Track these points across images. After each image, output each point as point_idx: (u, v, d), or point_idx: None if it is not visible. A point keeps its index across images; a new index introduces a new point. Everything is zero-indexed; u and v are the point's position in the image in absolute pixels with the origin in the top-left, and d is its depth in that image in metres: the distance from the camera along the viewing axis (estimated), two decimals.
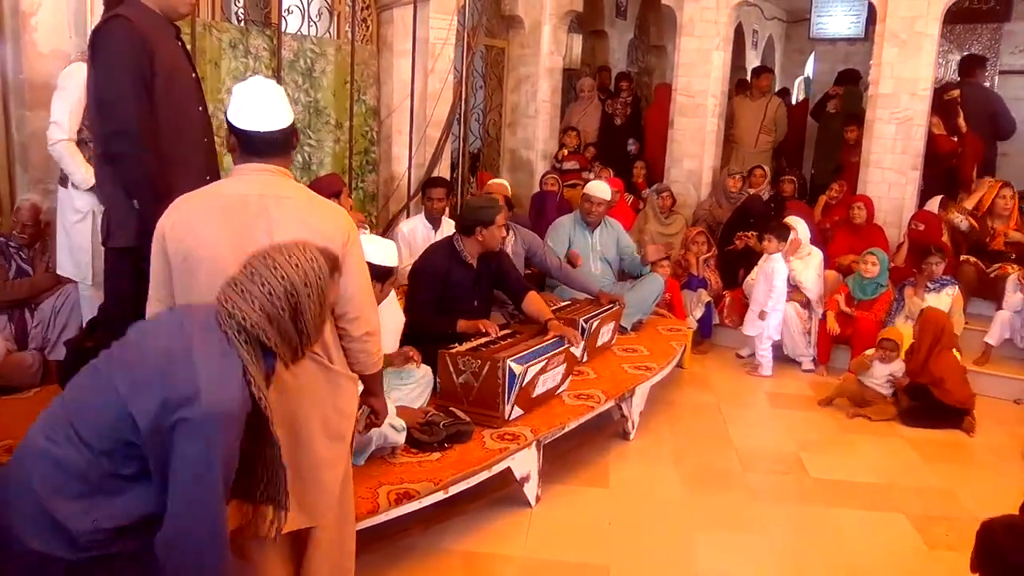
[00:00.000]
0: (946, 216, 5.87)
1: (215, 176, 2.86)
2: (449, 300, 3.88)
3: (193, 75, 2.74)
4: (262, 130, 2.06)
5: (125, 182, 2.59)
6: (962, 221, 5.85)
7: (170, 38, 2.66)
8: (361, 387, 2.33)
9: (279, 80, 5.05)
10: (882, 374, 4.83)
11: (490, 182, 5.78)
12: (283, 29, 5.11)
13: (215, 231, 1.98)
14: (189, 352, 1.61)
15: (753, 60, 11.52)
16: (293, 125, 2.13)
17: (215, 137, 2.94)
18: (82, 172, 3.62)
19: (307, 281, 1.72)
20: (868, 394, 4.84)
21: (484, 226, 3.88)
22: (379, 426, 2.63)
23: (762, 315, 5.36)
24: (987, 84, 6.99)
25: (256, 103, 2.06)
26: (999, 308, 5.38)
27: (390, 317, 3.40)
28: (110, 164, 2.63)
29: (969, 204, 5.90)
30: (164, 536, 1.59)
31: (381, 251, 3.11)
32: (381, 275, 3.08)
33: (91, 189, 3.56)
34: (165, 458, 1.57)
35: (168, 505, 1.58)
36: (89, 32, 3.73)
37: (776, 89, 9.01)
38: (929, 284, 5.31)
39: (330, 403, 2.17)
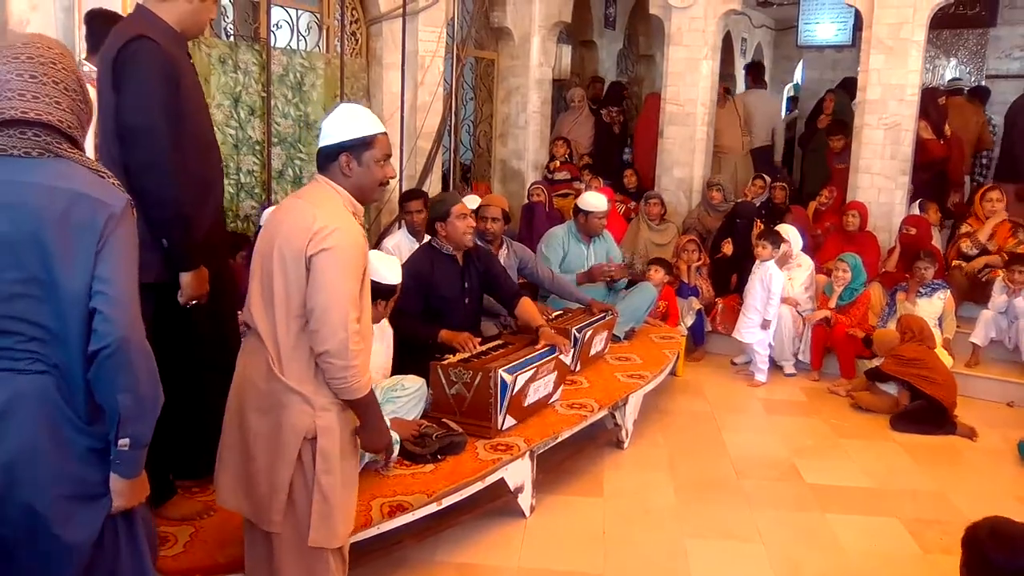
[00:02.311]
0: (957, 249, 5.92)
1: (222, 196, 2.80)
2: (438, 300, 3.87)
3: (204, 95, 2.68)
4: (318, 146, 2.28)
5: (153, 219, 2.36)
6: (971, 248, 5.89)
7: (185, 53, 2.54)
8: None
9: (268, 95, 5.05)
10: None
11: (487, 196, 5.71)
12: (272, 44, 5.12)
13: None
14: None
15: (742, 69, 11.58)
16: (336, 146, 2.21)
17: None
18: None
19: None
20: (877, 393, 4.99)
21: (441, 220, 3.89)
22: (378, 455, 2.45)
23: (765, 324, 5.38)
24: None
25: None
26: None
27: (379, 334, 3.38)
28: (136, 198, 2.35)
29: (983, 236, 5.92)
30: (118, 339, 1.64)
31: (386, 268, 3.12)
32: (384, 293, 3.08)
33: None
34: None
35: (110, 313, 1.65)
36: (79, 47, 3.75)
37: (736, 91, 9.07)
38: (921, 289, 5.33)
39: (272, 409, 2.12)
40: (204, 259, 2.54)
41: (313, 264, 2.06)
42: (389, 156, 2.29)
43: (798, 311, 5.59)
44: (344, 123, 2.22)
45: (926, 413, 4.66)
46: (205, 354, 2.61)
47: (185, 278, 2.46)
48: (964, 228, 6.09)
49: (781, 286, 5.39)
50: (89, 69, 3.63)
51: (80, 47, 3.73)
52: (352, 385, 2.09)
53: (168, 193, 2.37)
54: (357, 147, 2.20)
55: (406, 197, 5.09)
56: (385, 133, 2.29)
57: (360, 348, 2.09)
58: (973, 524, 2.30)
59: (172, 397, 2.55)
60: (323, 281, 2.05)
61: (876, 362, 5.08)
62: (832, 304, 5.46)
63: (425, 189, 5.84)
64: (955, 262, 5.91)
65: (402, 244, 4.94)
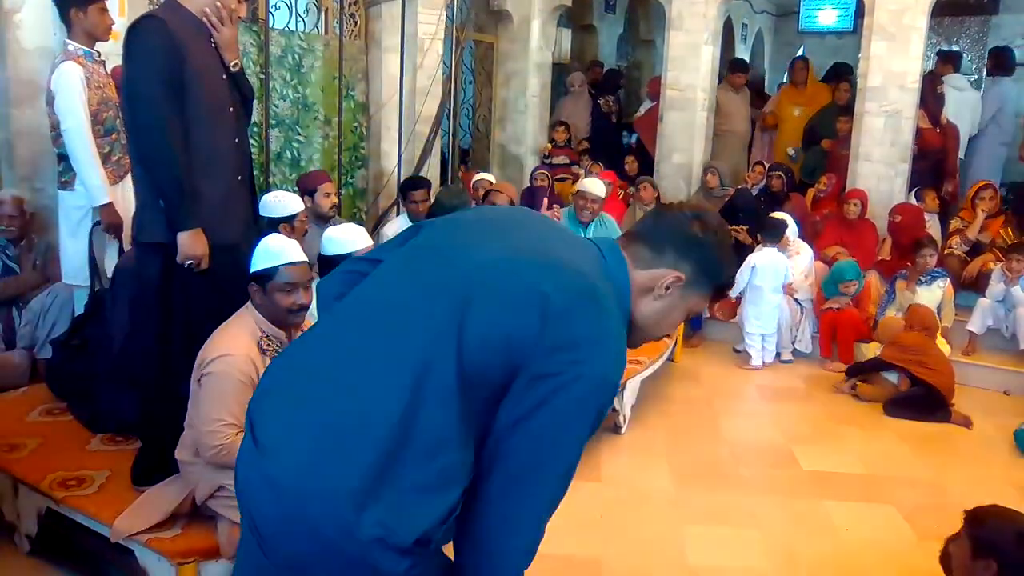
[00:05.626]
0: (948, 245, 5.91)
1: (247, 178, 2.86)
2: None
3: (224, 76, 2.72)
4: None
5: (152, 180, 2.58)
6: (960, 246, 5.88)
7: (204, 38, 2.65)
8: None
9: (266, 76, 5.02)
10: None
11: (481, 177, 5.68)
12: (270, 25, 5.08)
13: None
14: None
15: (743, 54, 11.52)
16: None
17: (248, 139, 2.94)
18: (99, 181, 3.60)
19: None
20: (876, 383, 4.95)
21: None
22: None
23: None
24: None
25: None
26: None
27: None
28: (137, 162, 2.63)
29: (972, 233, 5.90)
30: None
31: (342, 240, 3.07)
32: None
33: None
34: None
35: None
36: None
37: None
38: (921, 277, 5.33)
39: None
40: (217, 230, 2.65)
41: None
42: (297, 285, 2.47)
43: (796, 299, 5.59)
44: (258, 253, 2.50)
45: (920, 399, 4.67)
46: (201, 330, 2.62)
47: (181, 238, 2.57)
48: (954, 224, 6.08)
49: (786, 266, 5.41)
50: (73, 47, 3.61)
51: None
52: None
53: (162, 155, 2.51)
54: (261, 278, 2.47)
55: (410, 186, 5.01)
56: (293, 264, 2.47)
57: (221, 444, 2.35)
58: (972, 513, 2.31)
59: (172, 370, 2.60)
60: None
61: (872, 349, 5.10)
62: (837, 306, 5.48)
63: (423, 174, 5.82)
64: (947, 251, 5.90)
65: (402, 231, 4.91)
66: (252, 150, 4.97)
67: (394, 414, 1.27)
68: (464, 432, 1.30)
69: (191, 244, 2.58)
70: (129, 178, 3.72)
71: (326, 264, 3.06)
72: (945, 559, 2.48)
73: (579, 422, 1.32)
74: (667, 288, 1.46)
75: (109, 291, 3.36)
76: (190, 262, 2.59)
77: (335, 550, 1.27)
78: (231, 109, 2.74)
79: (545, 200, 5.34)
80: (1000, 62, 7.42)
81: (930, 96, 6.49)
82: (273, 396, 1.42)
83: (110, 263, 3.77)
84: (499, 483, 1.32)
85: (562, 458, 1.33)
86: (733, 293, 5.57)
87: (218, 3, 2.65)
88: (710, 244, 1.47)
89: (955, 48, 10.16)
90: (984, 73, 9.77)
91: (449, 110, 6.58)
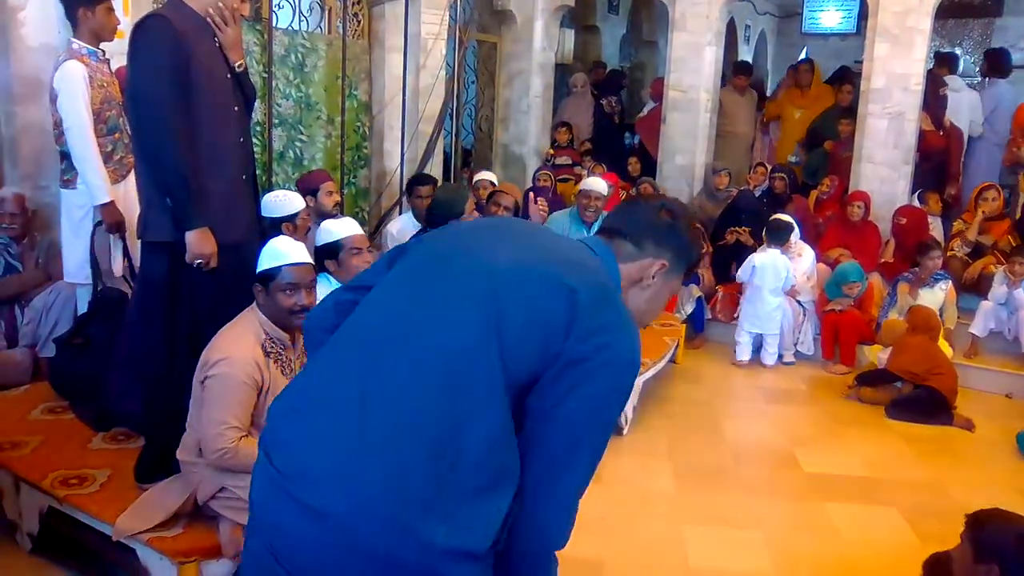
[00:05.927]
0: (950, 247, 5.89)
1: (251, 177, 2.86)
2: None
3: (229, 76, 2.71)
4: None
5: (157, 179, 2.57)
6: (961, 248, 5.88)
7: (208, 38, 2.65)
8: None
9: (269, 76, 5.02)
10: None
11: (483, 177, 5.65)
12: (274, 24, 5.08)
13: None
14: None
15: (745, 55, 11.53)
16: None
17: (251, 138, 2.94)
18: (100, 180, 3.60)
19: None
20: (878, 387, 4.91)
21: (456, 219, 3.88)
22: None
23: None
24: None
25: None
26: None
27: None
28: (143, 161, 2.63)
29: (971, 234, 5.89)
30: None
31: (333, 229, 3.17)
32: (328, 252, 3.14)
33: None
34: None
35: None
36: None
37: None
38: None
39: None
40: (222, 229, 2.64)
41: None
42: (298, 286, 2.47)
43: (798, 301, 5.59)
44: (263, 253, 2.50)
45: (922, 402, 4.66)
46: (206, 329, 2.63)
47: (189, 237, 2.57)
48: (957, 226, 6.07)
49: (788, 267, 5.41)
50: (78, 46, 3.61)
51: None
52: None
53: (167, 153, 2.51)
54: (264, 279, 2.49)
55: (416, 182, 5.00)
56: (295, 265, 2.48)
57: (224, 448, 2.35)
58: (973, 517, 2.31)
59: (176, 368, 2.61)
60: None
61: (874, 352, 5.09)
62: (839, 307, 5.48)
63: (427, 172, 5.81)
64: (949, 253, 5.89)
65: (407, 229, 4.90)
66: (255, 149, 5.00)
67: (443, 422, 1.27)
68: (512, 430, 1.32)
69: (199, 243, 2.57)
70: (131, 177, 3.75)
71: (321, 255, 3.09)
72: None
73: (609, 405, 1.37)
74: (654, 276, 1.57)
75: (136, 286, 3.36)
76: (199, 261, 2.59)
77: (398, 568, 1.25)
78: (235, 108, 2.74)
79: (531, 195, 5.31)
80: (995, 64, 7.41)
81: (933, 98, 6.49)
82: (292, 422, 1.37)
83: (115, 262, 3.77)
84: (534, 471, 1.34)
85: (594, 442, 1.38)
86: (738, 279, 5.58)
87: (221, 3, 2.65)
88: (680, 228, 1.59)
89: (957, 51, 10.16)
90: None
91: (452, 110, 6.58)
